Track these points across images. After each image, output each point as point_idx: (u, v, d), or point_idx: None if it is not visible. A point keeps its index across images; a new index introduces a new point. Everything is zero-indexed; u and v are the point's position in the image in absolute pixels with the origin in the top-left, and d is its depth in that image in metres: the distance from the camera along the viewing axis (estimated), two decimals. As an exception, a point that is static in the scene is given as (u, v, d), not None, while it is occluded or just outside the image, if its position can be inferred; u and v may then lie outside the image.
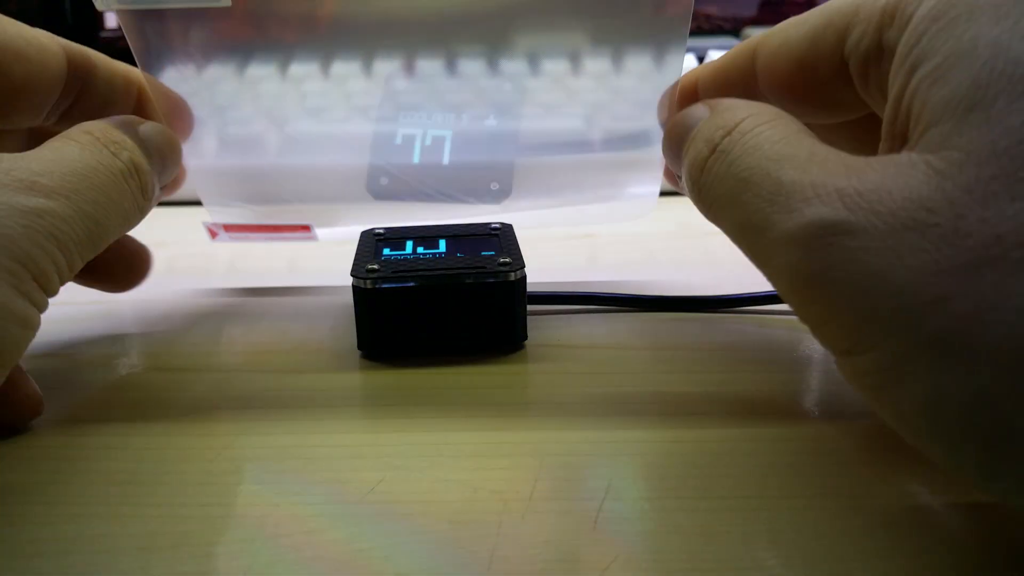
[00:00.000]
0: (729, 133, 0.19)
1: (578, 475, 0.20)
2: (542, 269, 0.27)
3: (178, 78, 0.27)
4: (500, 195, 0.31)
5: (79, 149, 0.22)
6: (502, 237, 0.29)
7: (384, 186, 0.31)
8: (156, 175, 0.24)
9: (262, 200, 0.31)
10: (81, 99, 0.26)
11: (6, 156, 0.21)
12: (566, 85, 0.29)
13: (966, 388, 0.14)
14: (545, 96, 0.29)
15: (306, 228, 0.33)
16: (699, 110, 0.22)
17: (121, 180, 0.23)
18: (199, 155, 0.30)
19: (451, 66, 0.29)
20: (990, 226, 0.14)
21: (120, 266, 0.30)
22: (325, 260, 0.38)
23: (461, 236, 0.29)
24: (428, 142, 0.30)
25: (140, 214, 0.24)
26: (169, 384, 0.26)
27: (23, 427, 0.23)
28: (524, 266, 0.26)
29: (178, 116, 0.28)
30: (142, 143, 0.24)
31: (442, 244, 0.28)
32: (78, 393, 0.25)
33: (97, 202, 0.22)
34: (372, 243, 0.28)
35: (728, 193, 0.19)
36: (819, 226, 0.16)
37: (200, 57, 0.27)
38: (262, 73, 0.29)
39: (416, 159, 0.30)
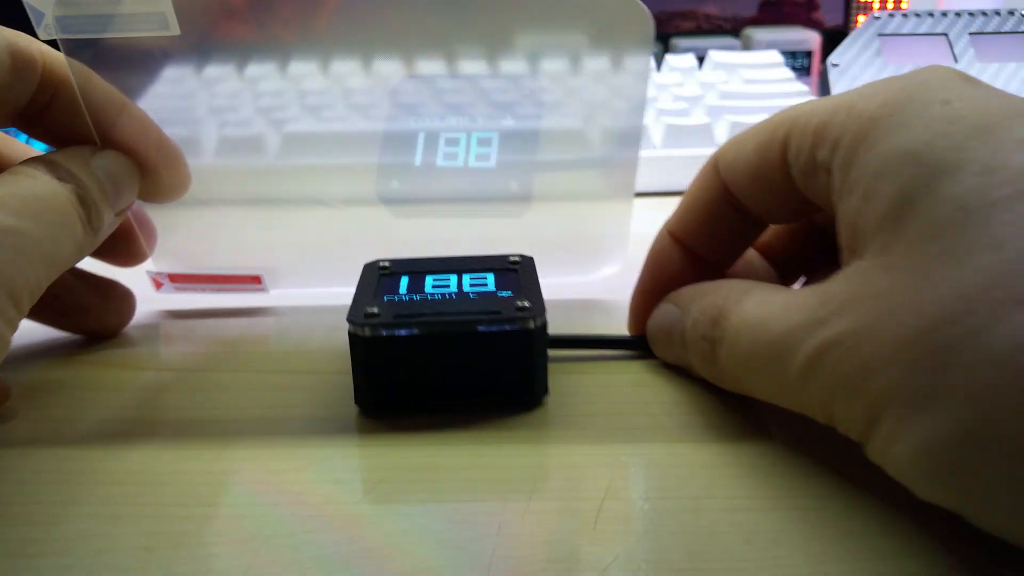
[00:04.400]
0: (727, 326, 0.21)
1: (578, 475, 0.20)
2: (546, 287, 0.24)
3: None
4: (520, 199, 0.29)
5: (30, 179, 0.23)
6: (522, 273, 0.25)
7: (395, 189, 0.29)
8: (108, 206, 0.24)
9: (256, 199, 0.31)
10: (51, 107, 0.25)
11: None
12: (565, 84, 0.29)
13: None
14: (547, 96, 0.29)
15: (256, 279, 0.31)
16: (669, 311, 0.24)
17: (70, 208, 0.23)
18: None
19: (453, 68, 0.29)
20: (970, 273, 0.16)
21: (107, 309, 0.29)
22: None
23: (476, 271, 0.26)
24: (444, 144, 0.29)
25: (88, 243, 0.24)
26: (168, 385, 0.26)
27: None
28: (545, 311, 0.23)
29: (156, 146, 0.27)
30: (91, 175, 0.24)
31: (453, 282, 0.25)
32: (77, 394, 0.25)
33: (55, 224, 0.22)
34: (375, 278, 0.25)
35: (743, 369, 0.21)
36: (823, 344, 0.18)
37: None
38: (263, 72, 0.29)
39: (434, 160, 0.29)
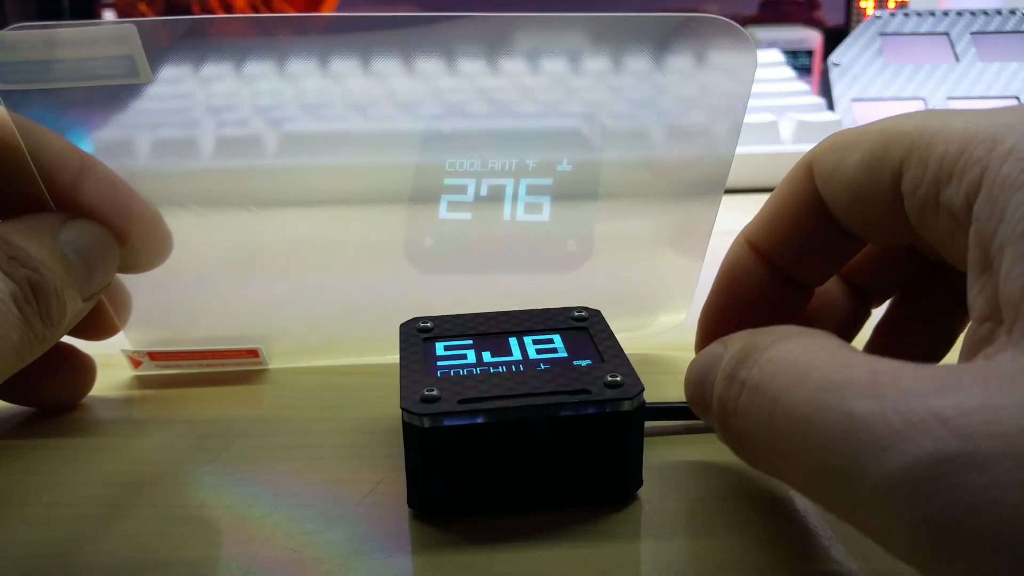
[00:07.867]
0: (754, 362, 0.16)
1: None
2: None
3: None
4: (578, 259, 0.25)
5: None
6: (593, 332, 0.21)
7: (428, 248, 0.25)
8: (76, 291, 0.20)
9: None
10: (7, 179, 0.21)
11: None
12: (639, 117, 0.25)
13: None
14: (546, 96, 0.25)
15: (253, 353, 0.26)
16: (715, 348, 0.18)
17: (9, 307, 0.19)
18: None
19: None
20: None
21: (58, 381, 0.24)
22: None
23: (537, 331, 0.21)
24: (484, 192, 0.24)
25: (39, 343, 0.19)
26: (167, 387, 0.26)
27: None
28: (642, 387, 0.19)
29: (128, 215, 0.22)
30: (55, 254, 0.20)
31: (514, 346, 0.21)
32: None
33: None
34: (418, 344, 0.21)
35: (783, 439, 0.15)
36: (930, 465, 0.12)
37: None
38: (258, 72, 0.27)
39: (467, 215, 0.24)
